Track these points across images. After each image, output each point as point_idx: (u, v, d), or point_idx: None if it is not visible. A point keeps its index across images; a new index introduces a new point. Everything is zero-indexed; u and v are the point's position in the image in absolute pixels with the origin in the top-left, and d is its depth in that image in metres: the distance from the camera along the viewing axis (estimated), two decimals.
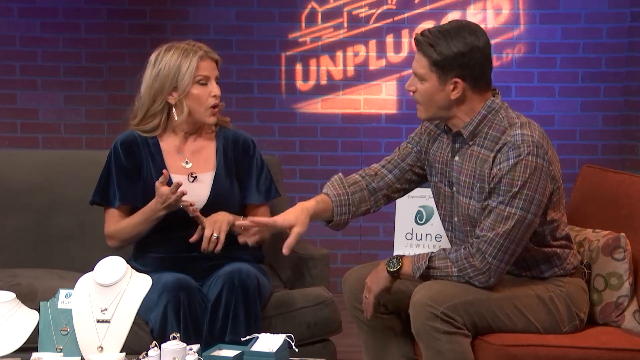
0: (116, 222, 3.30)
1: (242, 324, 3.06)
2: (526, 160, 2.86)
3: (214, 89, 3.26)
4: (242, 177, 3.39)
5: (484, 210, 2.92)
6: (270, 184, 3.44)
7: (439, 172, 3.11)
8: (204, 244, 3.15)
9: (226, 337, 3.05)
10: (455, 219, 3.07)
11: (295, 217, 3.00)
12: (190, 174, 3.32)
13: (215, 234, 3.15)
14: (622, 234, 3.14)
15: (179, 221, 3.26)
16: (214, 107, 3.27)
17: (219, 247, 3.16)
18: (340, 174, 3.21)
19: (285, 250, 2.99)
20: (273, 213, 3.40)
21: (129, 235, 3.25)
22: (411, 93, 3.00)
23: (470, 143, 2.99)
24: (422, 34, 2.94)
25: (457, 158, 3.03)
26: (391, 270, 2.97)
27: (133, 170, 3.31)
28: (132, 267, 3.18)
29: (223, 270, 3.17)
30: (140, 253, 3.33)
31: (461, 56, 2.89)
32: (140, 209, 3.29)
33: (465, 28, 2.92)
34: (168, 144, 3.34)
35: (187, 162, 3.33)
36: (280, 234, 3.14)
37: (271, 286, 3.39)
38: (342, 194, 3.14)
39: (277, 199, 3.52)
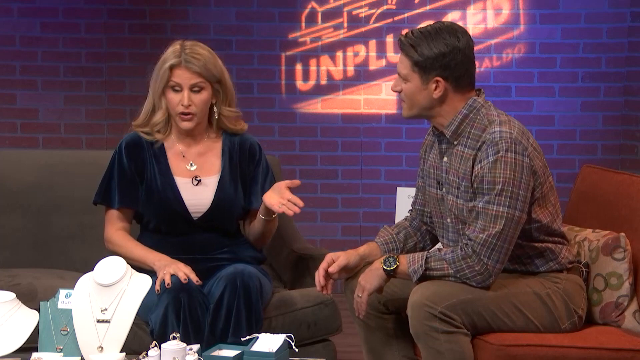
0: (116, 229, 3.30)
1: (244, 326, 3.06)
2: (505, 157, 2.88)
3: (183, 98, 3.23)
4: (247, 182, 3.38)
5: (472, 211, 2.93)
6: None
7: (432, 177, 3.12)
8: None
9: (228, 338, 3.05)
10: (448, 219, 3.08)
11: (342, 252, 3.14)
12: (195, 177, 3.32)
13: None
14: (622, 234, 3.14)
15: (182, 226, 3.28)
16: (184, 114, 3.25)
17: None
18: (385, 225, 3.33)
19: (331, 268, 3.07)
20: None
21: (123, 256, 3.23)
22: (397, 93, 3.06)
23: (455, 143, 3.01)
24: (405, 35, 2.99)
25: (445, 159, 3.05)
26: (387, 269, 2.97)
27: (135, 174, 3.30)
28: (133, 266, 3.18)
29: (225, 271, 3.17)
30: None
31: (442, 57, 2.93)
32: (140, 212, 3.30)
33: (446, 29, 2.96)
34: (173, 147, 3.34)
35: (191, 165, 3.33)
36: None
37: (272, 287, 3.39)
38: (386, 235, 3.24)
39: None
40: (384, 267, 2.97)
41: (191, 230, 3.28)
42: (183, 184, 3.30)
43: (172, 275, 3.07)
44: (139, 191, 3.31)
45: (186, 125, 3.27)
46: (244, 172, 3.37)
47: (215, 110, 3.34)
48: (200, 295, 3.11)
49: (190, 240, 3.27)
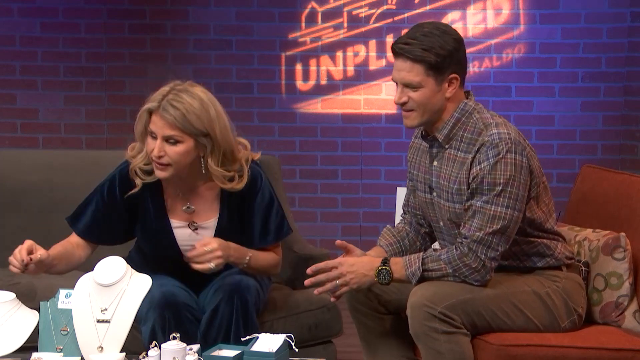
0: (66, 240, 3.17)
1: (239, 337, 2.97)
2: (505, 158, 2.87)
3: (155, 147, 2.96)
4: (248, 217, 3.13)
5: (468, 210, 2.92)
6: (282, 220, 3.16)
7: (421, 181, 3.12)
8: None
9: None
10: (441, 223, 3.07)
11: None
12: (192, 222, 3.12)
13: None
14: (622, 233, 3.14)
15: (177, 263, 3.15)
16: (157, 162, 2.99)
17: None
18: (388, 225, 3.32)
19: (339, 242, 3.12)
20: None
21: None
22: (401, 105, 2.98)
23: (447, 147, 3.00)
24: (405, 42, 2.90)
25: (435, 163, 3.04)
26: (383, 283, 2.96)
27: (124, 210, 3.12)
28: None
29: (222, 280, 3.07)
30: (135, 264, 3.27)
31: (456, 52, 2.92)
32: (104, 244, 3.19)
33: (440, 26, 2.95)
34: (170, 184, 3.10)
35: (188, 207, 3.11)
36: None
37: (271, 284, 3.36)
38: (393, 242, 3.22)
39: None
40: (380, 282, 2.96)
41: (187, 265, 3.12)
42: (179, 228, 3.13)
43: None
44: (109, 230, 3.14)
45: (159, 174, 3.01)
46: (245, 206, 3.12)
47: (203, 164, 3.03)
48: (189, 309, 3.02)
49: (185, 266, 3.14)
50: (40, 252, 2.99)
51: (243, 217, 3.14)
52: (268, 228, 3.15)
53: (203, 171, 3.04)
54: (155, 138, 2.98)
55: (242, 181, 3.07)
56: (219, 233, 3.11)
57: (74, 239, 3.19)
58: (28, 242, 3.01)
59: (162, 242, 3.14)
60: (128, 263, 3.24)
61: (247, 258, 3.09)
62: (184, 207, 3.13)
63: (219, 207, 3.13)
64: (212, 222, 3.13)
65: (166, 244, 3.14)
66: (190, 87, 3.01)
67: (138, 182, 3.08)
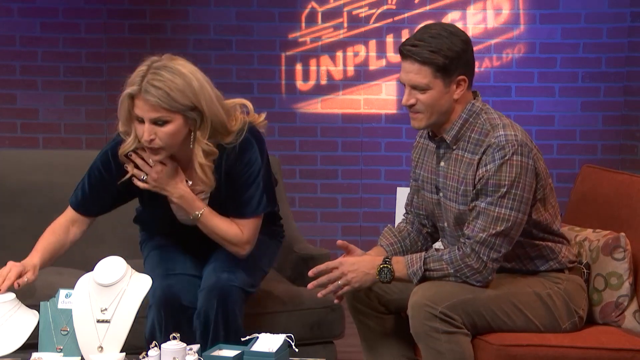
0: (63, 217, 3.18)
1: (221, 339, 2.98)
2: (511, 160, 2.87)
3: (145, 132, 2.90)
4: (232, 187, 3.08)
5: (472, 211, 2.92)
6: (261, 196, 3.07)
7: (427, 182, 3.11)
8: None
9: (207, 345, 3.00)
10: (445, 224, 3.07)
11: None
12: None
13: None
14: (622, 233, 3.14)
15: (177, 229, 3.21)
16: (149, 147, 2.93)
17: None
18: (389, 225, 3.30)
19: (340, 242, 3.13)
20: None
21: None
22: (409, 107, 2.96)
23: (454, 148, 2.99)
24: (413, 44, 2.89)
25: (442, 164, 3.03)
26: (384, 281, 2.96)
27: (120, 182, 3.08)
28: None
29: (207, 280, 3.04)
30: (144, 223, 3.33)
31: (464, 53, 2.90)
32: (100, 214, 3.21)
33: (447, 27, 2.93)
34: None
35: (187, 182, 3.06)
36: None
37: (281, 245, 3.34)
38: (394, 242, 3.21)
39: (280, 206, 3.36)
40: (381, 280, 2.96)
41: (187, 231, 3.19)
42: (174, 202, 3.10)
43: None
44: (105, 203, 3.16)
45: (153, 158, 2.97)
46: (240, 174, 3.08)
47: (192, 138, 2.96)
48: (187, 310, 3.03)
49: (189, 233, 3.19)
50: (27, 276, 3.01)
51: (241, 185, 3.09)
52: (240, 201, 3.07)
53: (191, 146, 2.97)
54: (142, 122, 2.91)
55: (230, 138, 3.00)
56: (214, 205, 3.08)
57: (69, 214, 3.20)
58: (16, 270, 2.99)
59: (160, 214, 3.16)
60: (137, 220, 3.32)
61: (197, 213, 3.04)
62: None
63: (213, 179, 3.05)
64: (206, 194, 3.11)
65: (165, 216, 3.16)
66: (169, 61, 2.92)
67: (129, 168, 3.05)
